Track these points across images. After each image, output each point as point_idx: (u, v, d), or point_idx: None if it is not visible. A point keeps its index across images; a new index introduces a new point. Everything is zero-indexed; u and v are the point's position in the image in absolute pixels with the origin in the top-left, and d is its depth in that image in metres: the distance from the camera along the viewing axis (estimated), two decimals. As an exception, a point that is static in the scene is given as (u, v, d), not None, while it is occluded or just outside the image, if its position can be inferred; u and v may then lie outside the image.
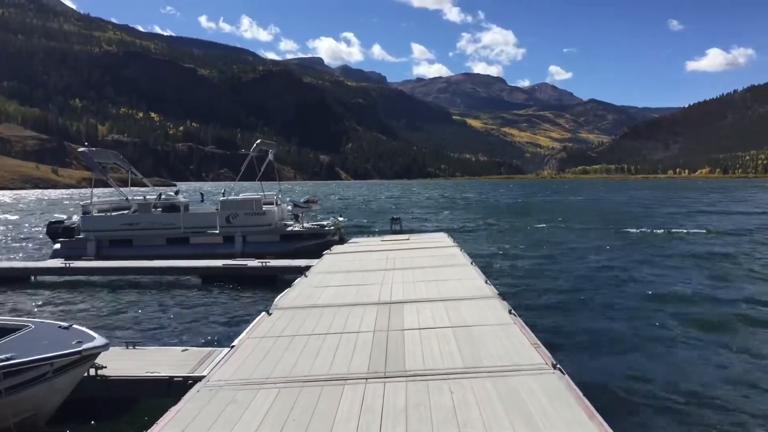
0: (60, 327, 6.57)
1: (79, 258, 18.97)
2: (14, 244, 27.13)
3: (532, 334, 6.34)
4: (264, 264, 15.67)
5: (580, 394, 4.62)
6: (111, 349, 6.44)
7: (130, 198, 23.31)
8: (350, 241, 18.96)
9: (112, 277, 16.38)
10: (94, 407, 6.47)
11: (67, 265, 16.75)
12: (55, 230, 22.11)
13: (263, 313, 8.12)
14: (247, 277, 15.37)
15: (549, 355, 5.62)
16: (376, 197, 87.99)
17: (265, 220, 21.53)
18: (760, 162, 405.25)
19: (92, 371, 6.25)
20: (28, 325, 6.60)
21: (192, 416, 4.61)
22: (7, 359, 5.44)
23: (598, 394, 6.42)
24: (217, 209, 21.96)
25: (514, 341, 6.12)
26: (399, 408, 4.55)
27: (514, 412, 4.34)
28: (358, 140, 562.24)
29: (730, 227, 29.79)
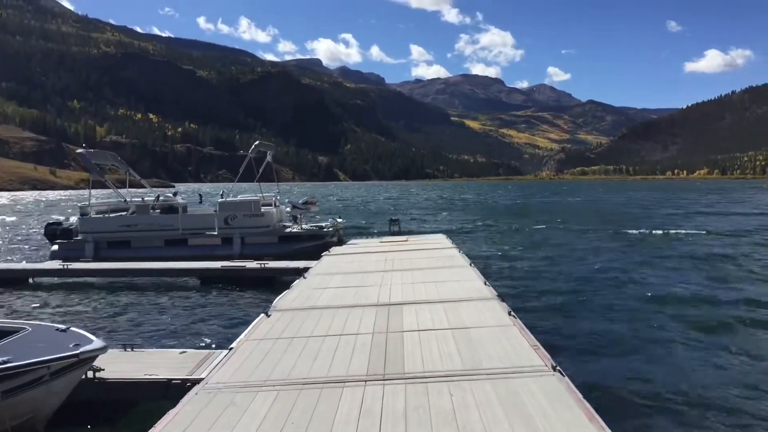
0: (58, 329, 6.54)
1: (77, 259, 18.92)
2: (12, 246, 27.09)
3: (532, 336, 6.33)
4: (262, 265, 15.63)
5: (580, 396, 4.61)
6: (109, 351, 6.41)
7: (128, 199, 23.26)
8: (349, 242, 18.96)
9: (110, 279, 16.33)
10: (92, 410, 6.44)
11: (65, 266, 16.71)
12: (53, 232, 22.04)
13: (262, 314, 8.11)
14: (246, 278, 15.32)
15: (549, 356, 5.61)
16: (375, 198, 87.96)
17: (263, 221, 21.51)
18: (758, 163, 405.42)
19: (90, 374, 6.22)
20: (25, 328, 6.56)
21: (190, 419, 4.60)
22: (4, 362, 5.41)
23: (598, 396, 6.43)
24: (215, 211, 21.92)
25: (513, 343, 6.10)
26: (398, 410, 4.53)
27: (514, 414, 4.33)
28: (357, 141, 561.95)
29: (728, 228, 29.79)
